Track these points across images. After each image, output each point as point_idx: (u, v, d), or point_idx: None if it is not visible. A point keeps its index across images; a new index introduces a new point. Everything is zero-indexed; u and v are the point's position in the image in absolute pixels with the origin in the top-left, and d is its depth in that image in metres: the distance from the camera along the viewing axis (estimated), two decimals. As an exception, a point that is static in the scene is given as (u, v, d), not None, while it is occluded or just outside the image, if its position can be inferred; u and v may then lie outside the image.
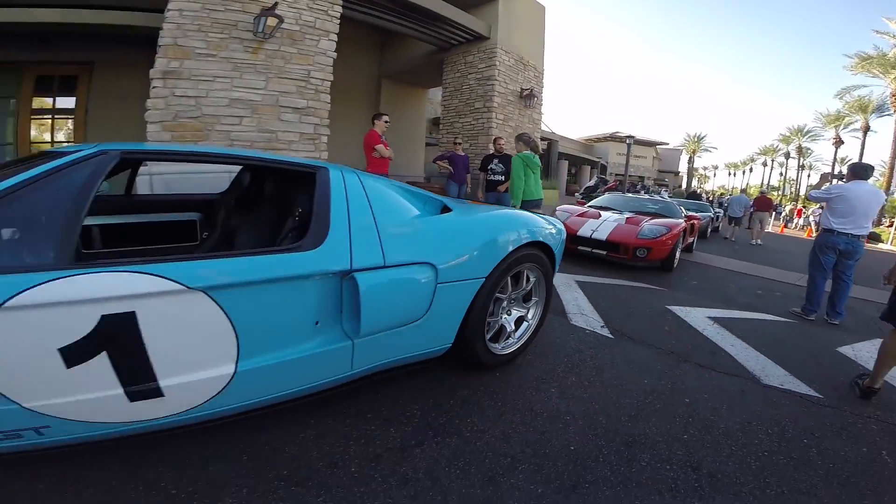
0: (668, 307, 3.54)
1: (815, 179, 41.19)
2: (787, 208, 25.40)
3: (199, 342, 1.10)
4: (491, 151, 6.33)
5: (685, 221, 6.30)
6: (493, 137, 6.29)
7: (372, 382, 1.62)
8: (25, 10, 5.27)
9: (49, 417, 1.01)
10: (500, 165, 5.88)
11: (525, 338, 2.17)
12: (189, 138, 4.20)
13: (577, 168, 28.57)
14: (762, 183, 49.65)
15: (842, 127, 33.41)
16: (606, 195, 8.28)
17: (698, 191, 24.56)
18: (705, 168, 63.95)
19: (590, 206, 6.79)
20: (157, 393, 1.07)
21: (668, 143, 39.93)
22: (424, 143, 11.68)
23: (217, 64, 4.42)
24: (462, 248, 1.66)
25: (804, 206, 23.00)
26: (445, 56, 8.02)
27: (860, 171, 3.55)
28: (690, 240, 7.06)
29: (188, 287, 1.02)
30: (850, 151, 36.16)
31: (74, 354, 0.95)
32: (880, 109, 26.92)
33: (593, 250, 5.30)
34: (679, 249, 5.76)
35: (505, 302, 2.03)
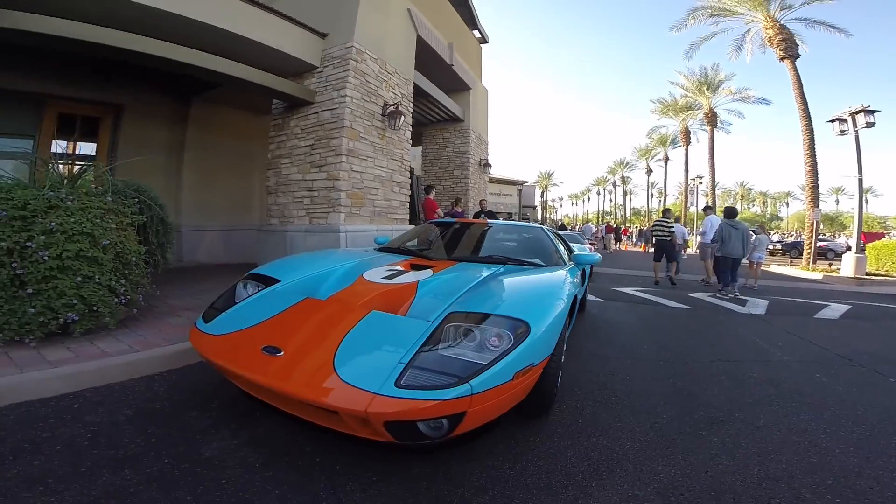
0: (614, 288, 7.02)
1: (636, 203, 56.01)
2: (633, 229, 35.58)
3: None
4: (477, 209, 9.38)
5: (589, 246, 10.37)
6: (480, 199, 9.33)
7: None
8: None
9: None
10: (486, 219, 8.98)
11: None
12: (357, 204, 5.78)
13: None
14: (598, 210, 63.56)
15: (650, 158, 45.06)
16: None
17: (563, 223, 32.34)
18: (553, 200, 78.22)
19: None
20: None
21: (528, 181, 48.79)
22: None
23: (368, 146, 5.90)
24: (588, 261, 4.65)
25: (628, 227, 32.35)
26: (423, 129, 10.74)
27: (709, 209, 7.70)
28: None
29: (576, 265, 3.71)
30: (656, 178, 48.48)
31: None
32: (674, 142, 36.18)
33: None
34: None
35: (588, 281, 5.04)
